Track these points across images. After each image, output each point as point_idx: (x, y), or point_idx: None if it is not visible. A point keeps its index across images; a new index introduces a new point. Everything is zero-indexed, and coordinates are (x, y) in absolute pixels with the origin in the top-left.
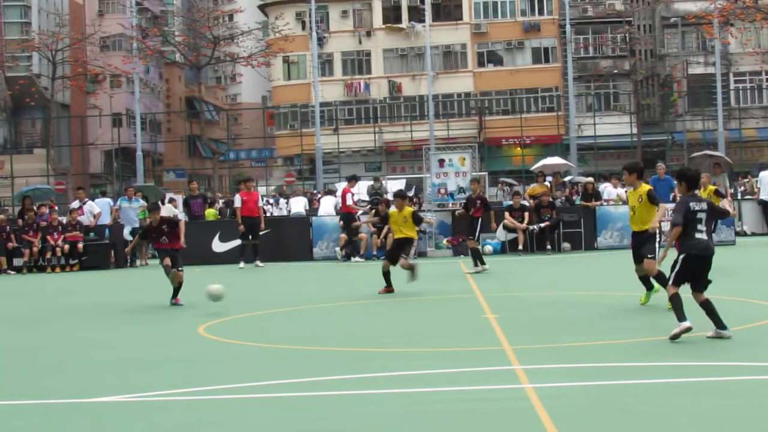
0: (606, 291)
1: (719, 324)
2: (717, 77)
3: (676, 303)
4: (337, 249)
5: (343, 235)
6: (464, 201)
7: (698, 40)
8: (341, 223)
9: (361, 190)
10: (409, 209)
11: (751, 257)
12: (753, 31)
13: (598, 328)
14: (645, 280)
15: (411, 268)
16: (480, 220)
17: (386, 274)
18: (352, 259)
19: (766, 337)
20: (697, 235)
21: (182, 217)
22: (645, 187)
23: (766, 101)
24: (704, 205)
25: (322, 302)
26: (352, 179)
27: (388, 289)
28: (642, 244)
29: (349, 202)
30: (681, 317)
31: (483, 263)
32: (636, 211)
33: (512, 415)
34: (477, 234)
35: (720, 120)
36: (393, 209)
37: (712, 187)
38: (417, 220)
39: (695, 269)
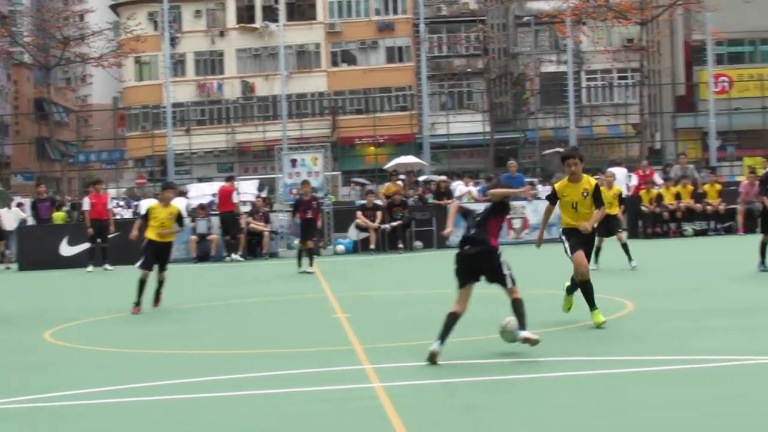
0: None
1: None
2: (569, 75)
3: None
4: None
5: (194, 237)
6: (294, 203)
7: (551, 38)
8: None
9: (213, 190)
10: (176, 208)
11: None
12: (604, 29)
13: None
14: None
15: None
16: (314, 221)
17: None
18: (233, 256)
19: (617, 332)
20: None
21: (31, 221)
22: (592, 182)
23: (617, 99)
24: None
25: (171, 305)
26: (232, 178)
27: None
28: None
29: (236, 200)
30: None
31: (311, 265)
32: (578, 206)
33: (362, 414)
34: (310, 235)
35: (572, 118)
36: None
37: (618, 189)
38: (180, 220)
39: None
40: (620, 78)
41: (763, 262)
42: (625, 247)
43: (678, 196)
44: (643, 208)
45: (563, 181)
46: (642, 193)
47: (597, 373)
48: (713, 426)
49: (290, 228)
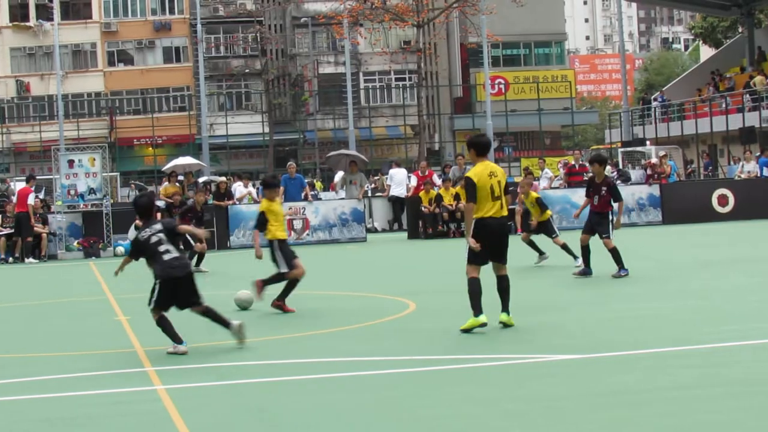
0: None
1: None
2: (347, 76)
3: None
4: None
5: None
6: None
7: (328, 39)
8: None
9: None
10: None
11: (382, 254)
12: (382, 31)
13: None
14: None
15: None
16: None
17: None
18: (26, 260)
19: (394, 331)
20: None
21: None
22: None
23: (395, 100)
24: None
25: None
26: (32, 178)
27: None
28: None
29: (31, 201)
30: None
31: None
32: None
33: (144, 417)
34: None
35: (350, 119)
36: None
37: (534, 194)
38: None
39: None
40: (398, 79)
41: (587, 265)
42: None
43: (457, 197)
44: (422, 208)
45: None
46: (421, 193)
47: (380, 373)
48: (495, 424)
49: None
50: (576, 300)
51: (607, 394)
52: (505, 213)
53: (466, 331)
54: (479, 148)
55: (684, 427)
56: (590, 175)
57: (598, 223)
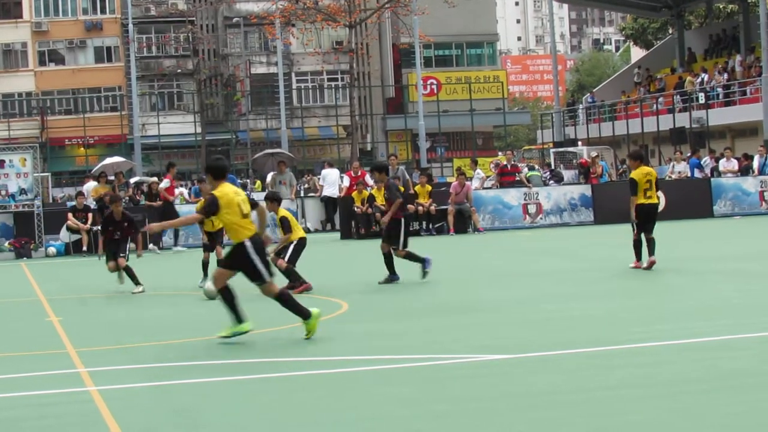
0: (174, 290)
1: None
2: (279, 77)
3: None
4: None
5: None
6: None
7: (261, 40)
8: None
9: None
10: None
11: (315, 254)
12: (314, 31)
13: (166, 328)
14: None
15: None
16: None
17: None
18: None
19: (325, 331)
20: None
21: None
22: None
23: (327, 101)
24: None
25: None
26: None
27: None
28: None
29: None
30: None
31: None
32: None
33: (77, 418)
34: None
35: (283, 119)
36: None
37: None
38: None
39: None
40: (330, 80)
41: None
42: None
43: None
44: (355, 208)
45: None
46: (354, 194)
47: (309, 374)
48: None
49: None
50: (506, 299)
51: (536, 395)
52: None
53: None
54: (215, 172)
55: (612, 428)
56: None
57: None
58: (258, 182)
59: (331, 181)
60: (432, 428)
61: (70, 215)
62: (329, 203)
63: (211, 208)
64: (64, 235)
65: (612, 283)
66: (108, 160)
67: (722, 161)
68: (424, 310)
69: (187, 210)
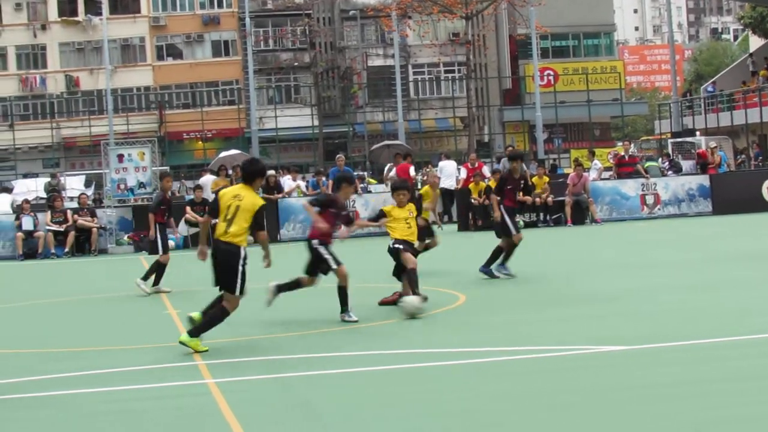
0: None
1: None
2: (396, 69)
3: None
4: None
5: (20, 234)
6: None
7: (377, 32)
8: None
9: (39, 186)
10: None
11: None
12: (430, 23)
13: (282, 321)
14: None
15: None
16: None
17: None
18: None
19: (445, 323)
20: None
21: None
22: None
23: (444, 92)
24: None
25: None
26: None
27: None
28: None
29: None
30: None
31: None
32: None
33: (194, 412)
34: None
35: (399, 111)
36: None
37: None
38: None
39: None
40: (447, 71)
41: (488, 265)
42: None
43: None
44: (472, 200)
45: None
46: (471, 185)
47: (430, 365)
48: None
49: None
50: (623, 290)
51: (655, 386)
52: None
53: None
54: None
55: (727, 419)
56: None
57: None
58: (372, 180)
59: (449, 173)
60: (560, 419)
61: (188, 209)
62: (446, 195)
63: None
64: (183, 229)
65: (730, 274)
66: (225, 154)
67: None
68: (541, 302)
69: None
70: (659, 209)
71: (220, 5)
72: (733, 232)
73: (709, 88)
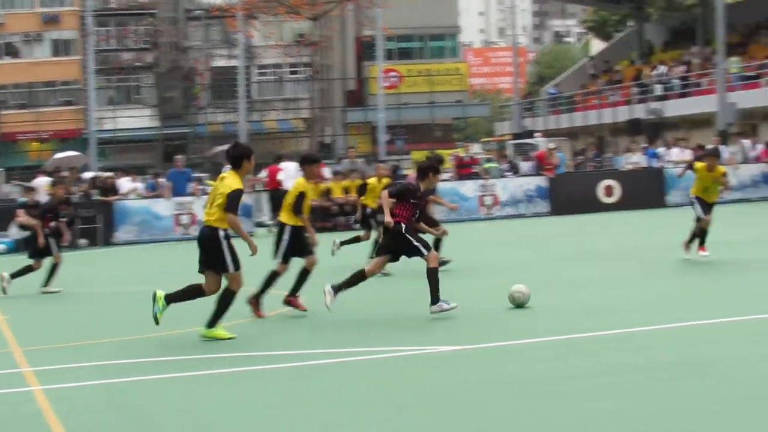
0: (127, 287)
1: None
2: (240, 70)
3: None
4: None
5: None
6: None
7: (222, 32)
8: None
9: None
10: None
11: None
12: (276, 24)
13: (115, 325)
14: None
15: None
16: None
17: None
18: None
19: (272, 328)
20: None
21: None
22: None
23: (288, 94)
24: None
25: None
26: None
27: None
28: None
29: None
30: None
31: None
32: None
33: (18, 419)
34: None
35: (242, 112)
36: None
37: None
38: None
39: None
40: (291, 73)
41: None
42: None
43: (347, 190)
44: (312, 202)
45: None
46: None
47: (266, 368)
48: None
49: None
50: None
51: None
52: None
53: None
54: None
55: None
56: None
57: None
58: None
59: (290, 174)
60: (395, 418)
61: (21, 211)
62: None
63: None
64: (14, 232)
65: (568, 273)
66: (60, 155)
67: (675, 150)
68: (369, 304)
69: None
70: (497, 210)
71: (61, 3)
72: (570, 232)
73: (551, 90)
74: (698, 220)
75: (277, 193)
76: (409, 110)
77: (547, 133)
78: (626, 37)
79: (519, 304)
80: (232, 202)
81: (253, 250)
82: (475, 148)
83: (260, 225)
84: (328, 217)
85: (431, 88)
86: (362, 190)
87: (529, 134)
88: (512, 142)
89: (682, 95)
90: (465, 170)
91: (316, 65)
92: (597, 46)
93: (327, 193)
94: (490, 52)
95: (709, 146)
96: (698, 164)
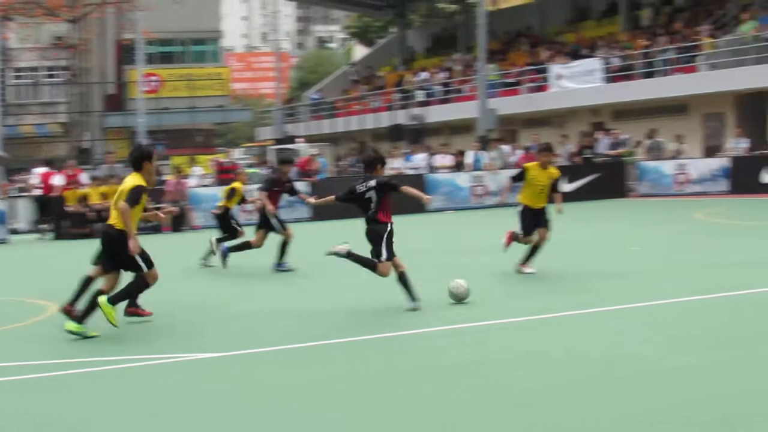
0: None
1: None
2: None
3: None
4: None
5: None
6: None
7: None
8: None
9: None
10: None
11: (24, 255)
12: (33, 26)
13: None
14: None
15: None
16: None
17: None
18: None
19: (28, 335)
20: None
21: None
22: None
23: (46, 97)
24: None
25: None
26: None
27: None
28: None
29: None
30: None
31: None
32: None
33: None
34: None
35: None
36: None
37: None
38: None
39: None
40: (49, 76)
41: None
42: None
43: (105, 196)
44: (68, 208)
45: None
46: (68, 193)
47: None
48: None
49: None
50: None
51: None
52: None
53: None
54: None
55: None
56: None
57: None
58: None
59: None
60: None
61: None
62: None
63: None
64: None
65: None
66: None
67: (437, 157)
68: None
69: None
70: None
71: None
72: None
73: (313, 96)
74: (517, 238)
75: (46, 199)
76: (170, 115)
77: (310, 139)
78: (389, 43)
79: (460, 298)
80: (131, 195)
81: (133, 247)
82: (237, 154)
83: (14, 232)
84: (85, 223)
85: (192, 92)
86: None
87: (291, 140)
88: (274, 147)
89: (444, 101)
90: (226, 176)
91: (74, 69)
92: (360, 52)
93: (84, 199)
94: (252, 57)
95: (538, 144)
96: (529, 165)
